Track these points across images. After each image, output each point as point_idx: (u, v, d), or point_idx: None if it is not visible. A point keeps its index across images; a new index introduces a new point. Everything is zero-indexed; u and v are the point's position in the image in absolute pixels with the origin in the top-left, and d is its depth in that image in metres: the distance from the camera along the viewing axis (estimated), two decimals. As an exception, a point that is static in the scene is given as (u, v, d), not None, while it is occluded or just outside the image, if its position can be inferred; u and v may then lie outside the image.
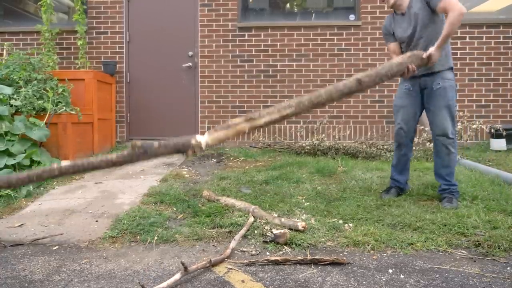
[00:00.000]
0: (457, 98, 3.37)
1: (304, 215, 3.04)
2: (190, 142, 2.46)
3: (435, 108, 3.26)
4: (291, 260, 2.27)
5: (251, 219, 2.85)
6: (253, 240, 2.62)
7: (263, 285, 2.02)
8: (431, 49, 3.03)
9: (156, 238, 2.67)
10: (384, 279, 2.09)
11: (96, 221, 3.05)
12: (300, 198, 3.48)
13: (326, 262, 2.24)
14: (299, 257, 2.29)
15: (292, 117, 2.80)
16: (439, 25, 3.16)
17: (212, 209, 3.14)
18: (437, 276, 2.11)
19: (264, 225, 2.79)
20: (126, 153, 2.42)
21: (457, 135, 3.31)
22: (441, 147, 3.28)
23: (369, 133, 6.33)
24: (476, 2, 6.63)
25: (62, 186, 4.07)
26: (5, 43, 6.19)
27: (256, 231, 2.71)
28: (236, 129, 2.64)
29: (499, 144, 5.81)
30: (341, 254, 2.39)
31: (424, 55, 3.03)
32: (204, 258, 2.31)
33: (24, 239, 2.72)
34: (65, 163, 2.41)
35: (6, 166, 3.93)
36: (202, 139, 2.50)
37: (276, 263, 2.25)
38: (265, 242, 2.57)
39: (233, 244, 2.48)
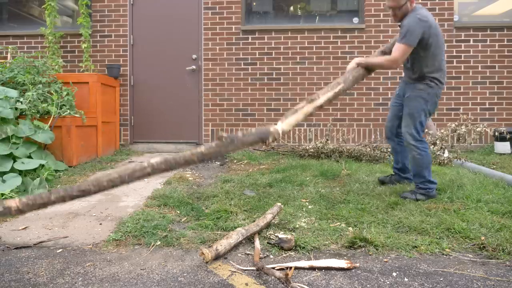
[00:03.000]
0: (436, 107, 3.62)
1: (308, 217, 3.04)
2: (269, 130, 2.65)
3: (403, 114, 3.60)
4: (298, 268, 2.25)
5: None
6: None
7: (266, 288, 2.02)
8: (359, 59, 3.48)
9: (159, 241, 2.68)
10: (388, 282, 2.08)
11: (100, 224, 3.06)
12: (304, 201, 3.47)
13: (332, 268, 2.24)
14: (305, 265, 2.27)
15: (343, 93, 3.30)
16: (417, 54, 3.40)
17: (215, 212, 3.15)
18: (441, 279, 2.11)
19: (267, 230, 2.80)
20: (214, 145, 2.46)
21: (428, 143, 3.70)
22: (408, 146, 3.57)
23: (373, 136, 6.32)
24: (480, 5, 6.62)
25: (66, 189, 4.08)
26: (9, 46, 6.23)
27: (260, 234, 2.71)
28: (303, 113, 2.94)
29: (503, 147, 5.80)
30: (345, 257, 2.39)
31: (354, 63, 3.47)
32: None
33: (28, 242, 2.73)
34: (155, 159, 2.34)
35: (12, 170, 3.95)
36: (279, 126, 2.72)
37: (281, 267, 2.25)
38: (269, 244, 2.56)
39: (258, 245, 2.49)
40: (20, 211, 2.03)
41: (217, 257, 2.36)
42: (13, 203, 2.00)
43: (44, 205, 2.08)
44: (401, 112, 3.68)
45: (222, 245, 2.40)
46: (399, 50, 3.33)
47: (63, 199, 2.10)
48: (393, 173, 4.01)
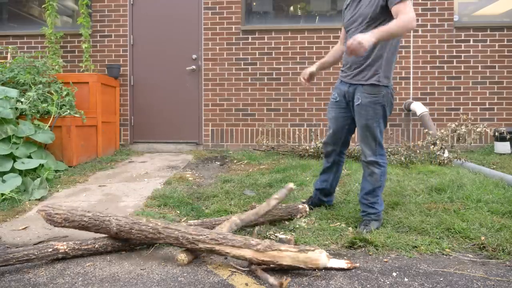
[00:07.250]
0: (390, 114, 2.95)
1: (308, 217, 3.04)
2: None
3: (357, 126, 2.93)
4: (298, 268, 2.25)
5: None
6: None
7: (266, 288, 2.02)
8: (361, 36, 2.40)
9: (159, 241, 2.67)
10: (388, 282, 2.08)
11: (100, 224, 3.06)
12: (304, 201, 3.47)
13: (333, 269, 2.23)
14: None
15: None
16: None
17: (215, 212, 3.15)
18: (441, 279, 2.11)
19: (267, 230, 2.79)
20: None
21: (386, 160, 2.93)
22: (363, 164, 2.95)
23: (372, 136, 6.31)
24: (480, 5, 6.62)
25: (66, 189, 4.08)
26: (10, 47, 6.23)
27: (259, 232, 2.71)
28: None
29: (503, 147, 5.80)
30: (345, 257, 2.38)
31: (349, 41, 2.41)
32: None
33: (28, 242, 2.73)
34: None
35: (12, 170, 3.94)
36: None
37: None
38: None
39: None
40: None
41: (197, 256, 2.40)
42: None
43: None
44: (349, 122, 3.01)
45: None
46: (408, 7, 2.53)
47: None
48: (312, 196, 3.36)
